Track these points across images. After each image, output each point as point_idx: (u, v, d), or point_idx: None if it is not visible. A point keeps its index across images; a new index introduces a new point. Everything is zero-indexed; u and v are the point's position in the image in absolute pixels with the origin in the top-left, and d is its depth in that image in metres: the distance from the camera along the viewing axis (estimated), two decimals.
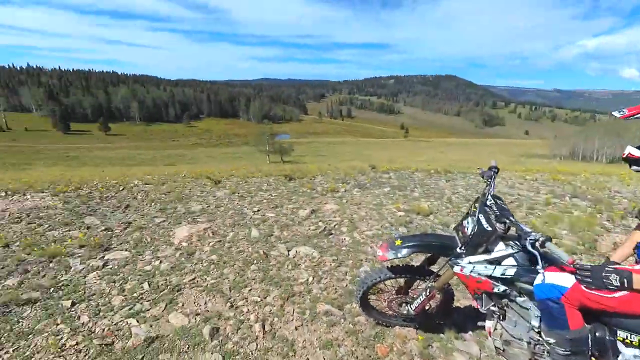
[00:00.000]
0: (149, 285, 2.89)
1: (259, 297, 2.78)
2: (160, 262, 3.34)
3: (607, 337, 1.40)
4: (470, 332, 2.36)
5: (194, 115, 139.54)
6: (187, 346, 2.19)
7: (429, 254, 2.16)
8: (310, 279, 3.10)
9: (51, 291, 2.73)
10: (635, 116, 1.37)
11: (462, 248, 1.84)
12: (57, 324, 2.32)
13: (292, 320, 2.53)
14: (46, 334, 2.21)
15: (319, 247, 3.82)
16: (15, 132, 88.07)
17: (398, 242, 2.02)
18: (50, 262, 3.22)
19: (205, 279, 3.05)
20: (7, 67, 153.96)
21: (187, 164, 39.19)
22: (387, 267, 2.20)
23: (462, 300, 2.76)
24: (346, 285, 3.02)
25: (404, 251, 1.98)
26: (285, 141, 58.14)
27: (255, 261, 3.41)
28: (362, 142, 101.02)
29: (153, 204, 5.37)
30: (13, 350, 2.06)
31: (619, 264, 1.54)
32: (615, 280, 1.28)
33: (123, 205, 5.20)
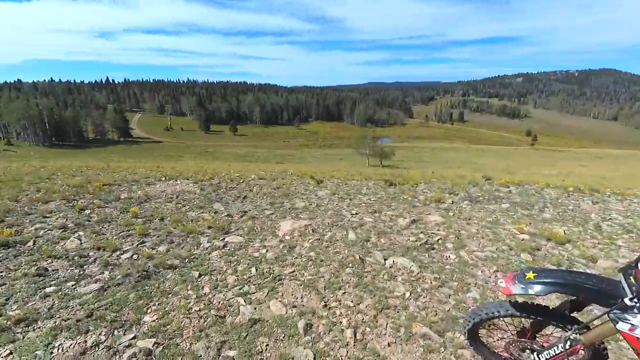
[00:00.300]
0: (256, 270, 3.22)
1: (352, 302, 2.74)
2: (267, 250, 3.69)
3: None
4: None
5: (303, 119, 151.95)
6: (283, 335, 2.32)
7: (574, 297, 1.67)
8: (408, 294, 2.87)
9: (186, 261, 3.34)
10: None
11: (636, 300, 1.34)
12: (188, 290, 2.82)
13: (385, 334, 2.38)
14: (180, 296, 2.71)
15: (418, 260, 3.53)
16: (175, 131, 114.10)
17: (530, 275, 1.63)
18: (188, 237, 3.96)
19: (303, 273, 3.19)
20: (174, 81, 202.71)
21: (294, 163, 42.94)
22: (509, 301, 1.82)
23: None
24: (449, 309, 2.68)
25: (539, 288, 1.59)
26: (387, 145, 56.97)
27: (350, 265, 3.39)
28: (474, 148, 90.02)
29: (265, 197, 6.03)
30: (158, 304, 2.60)
31: None
32: None
33: (242, 196, 6.01)
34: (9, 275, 2.87)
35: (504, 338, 1.98)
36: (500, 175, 12.19)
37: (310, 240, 3.99)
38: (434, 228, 4.57)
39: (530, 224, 4.82)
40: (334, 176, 8.78)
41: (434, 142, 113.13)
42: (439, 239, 4.13)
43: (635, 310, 1.33)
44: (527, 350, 1.84)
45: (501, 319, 1.98)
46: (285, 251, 3.70)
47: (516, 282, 1.66)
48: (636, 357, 1.45)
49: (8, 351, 2.03)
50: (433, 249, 3.86)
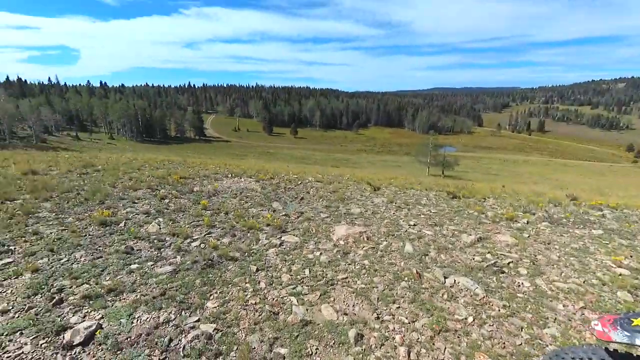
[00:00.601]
0: (309, 272, 3.25)
1: (406, 318, 2.59)
2: (321, 253, 3.71)
3: None
4: None
5: (362, 124, 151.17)
6: (333, 342, 2.29)
7: None
8: (471, 319, 2.61)
9: (245, 255, 3.54)
10: None
11: None
12: (246, 283, 2.98)
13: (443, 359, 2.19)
14: (238, 288, 2.88)
15: (484, 283, 3.19)
16: (242, 132, 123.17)
17: (637, 321, 1.35)
18: (249, 232, 4.20)
19: (356, 281, 3.13)
20: (244, 86, 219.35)
21: (350, 167, 42.89)
22: (606, 349, 1.52)
23: None
24: (520, 344, 2.36)
25: None
26: (450, 154, 53.30)
27: (406, 278, 3.22)
28: (556, 162, 79.23)
29: (321, 200, 6.10)
30: (219, 292, 2.79)
31: None
32: None
33: (299, 197, 6.17)
34: (105, 250, 3.37)
35: None
36: (589, 195, 10.49)
37: (364, 248, 3.91)
38: (504, 249, 4.09)
39: (631, 256, 4.01)
40: (392, 183, 8.51)
41: (505, 154, 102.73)
42: (509, 262, 3.68)
43: None
44: None
45: None
46: (339, 256, 3.67)
47: (618, 327, 1.39)
48: None
49: (100, 315, 2.37)
50: (502, 272, 3.45)
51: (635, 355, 1.50)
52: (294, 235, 4.21)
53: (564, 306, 2.87)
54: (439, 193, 7.41)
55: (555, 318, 2.69)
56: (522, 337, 2.43)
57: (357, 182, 8.22)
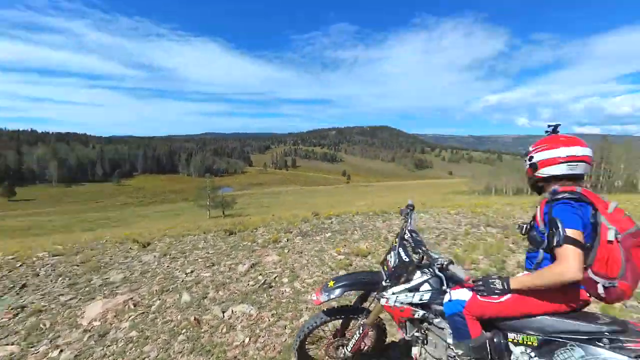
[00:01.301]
0: None
1: None
2: (61, 351, 2.78)
3: (502, 341, 1.56)
4: None
5: (126, 173, 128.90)
6: None
7: (361, 292, 2.22)
8: (247, 340, 2.86)
9: None
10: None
11: (387, 281, 1.95)
12: None
13: None
14: None
15: (257, 302, 3.61)
16: None
17: (331, 283, 2.06)
18: None
19: None
20: None
21: (112, 227, 34.97)
22: (323, 311, 2.19)
23: (398, 335, 2.81)
24: (285, 340, 2.86)
25: (337, 291, 2.01)
26: (228, 194, 56.30)
27: (184, 330, 3.06)
28: (306, 190, 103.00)
29: (60, 279, 4.60)
30: None
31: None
32: (499, 284, 1.51)
33: (18, 286, 4.33)
34: None
35: (325, 345, 2.32)
36: (327, 210, 14.44)
37: (130, 318, 3.33)
38: (272, 267, 4.84)
39: (345, 245, 5.93)
40: (166, 234, 7.84)
41: (273, 187, 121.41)
42: (275, 277, 4.40)
43: (387, 289, 1.93)
44: (340, 347, 2.23)
45: (322, 329, 2.33)
46: (93, 342, 2.92)
47: (322, 292, 2.05)
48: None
49: None
50: (271, 287, 4.06)
51: (337, 306, 2.24)
52: (6, 345, 2.89)
53: (311, 296, 3.77)
54: (217, 233, 7.64)
55: (307, 307, 3.49)
56: (286, 333, 2.96)
57: (121, 242, 6.90)
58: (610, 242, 1.34)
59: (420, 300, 1.80)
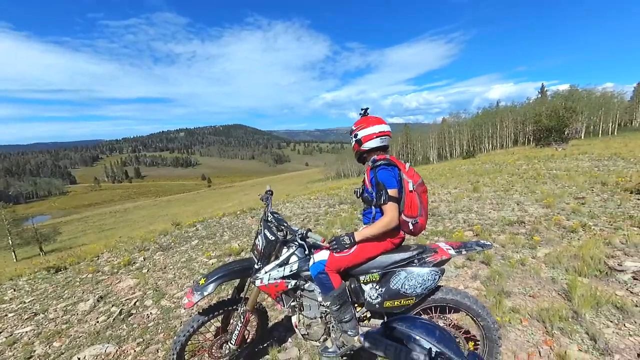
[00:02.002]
0: None
1: None
2: None
3: (357, 285, 1.99)
4: (289, 340, 2.60)
5: None
6: None
7: (237, 282, 2.24)
8: None
9: None
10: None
11: (259, 263, 2.06)
12: None
13: None
14: None
15: (115, 337, 3.03)
16: None
17: (202, 281, 1.99)
18: None
19: None
20: None
21: None
22: (198, 312, 2.09)
23: (279, 316, 3.02)
24: None
25: (210, 287, 1.97)
26: (44, 224, 42.27)
27: None
28: (161, 201, 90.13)
29: None
30: None
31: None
32: (347, 239, 1.88)
33: None
34: None
35: (208, 348, 2.23)
36: (190, 219, 13.18)
37: None
38: (128, 293, 4.11)
39: (215, 249, 5.68)
40: None
41: (114, 205, 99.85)
42: (135, 302, 3.78)
43: (260, 270, 2.05)
44: (224, 344, 2.21)
45: (200, 332, 2.22)
46: None
47: (194, 292, 1.96)
48: None
49: None
50: (130, 315, 3.47)
51: (212, 304, 2.18)
52: None
53: (184, 309, 3.47)
54: (34, 275, 5.74)
55: (182, 322, 3.21)
56: (160, 357, 2.64)
57: None
58: (411, 191, 1.92)
59: (291, 271, 2.03)
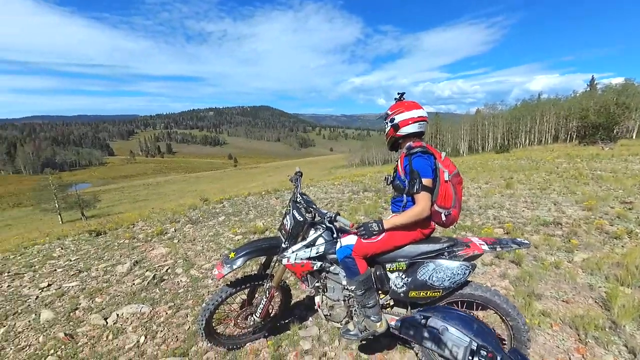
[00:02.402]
0: None
1: None
2: None
3: (382, 272, 1.98)
4: (310, 319, 2.68)
5: None
6: None
7: (263, 258, 2.32)
8: (142, 339, 2.60)
9: None
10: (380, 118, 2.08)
11: (286, 242, 2.11)
12: None
13: None
14: None
15: (149, 299, 3.27)
16: None
17: (232, 255, 2.07)
18: None
19: None
20: None
21: None
22: (226, 284, 2.19)
23: (301, 295, 3.10)
24: (188, 327, 2.73)
25: (239, 261, 2.05)
26: (86, 191, 45.70)
27: (52, 351, 2.51)
28: (190, 177, 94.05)
29: None
30: None
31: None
32: (375, 226, 1.86)
33: None
34: None
35: (234, 318, 2.35)
36: (216, 196, 13.69)
37: None
38: (160, 260, 4.39)
39: (241, 226, 5.88)
40: None
41: (147, 178, 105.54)
42: (167, 269, 4.03)
43: (287, 250, 2.10)
44: (249, 316, 2.31)
45: (227, 303, 2.34)
46: None
47: (224, 265, 2.05)
48: None
49: None
50: (163, 280, 3.71)
51: (239, 277, 2.28)
52: None
53: (212, 279, 3.66)
54: (78, 236, 6.26)
55: (209, 291, 3.39)
56: (188, 322, 2.82)
57: None
58: (446, 181, 1.85)
59: (317, 252, 2.05)
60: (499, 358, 1.11)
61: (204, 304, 2.20)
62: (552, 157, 14.21)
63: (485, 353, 1.07)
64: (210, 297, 2.18)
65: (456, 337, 1.17)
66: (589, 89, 64.95)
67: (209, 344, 2.27)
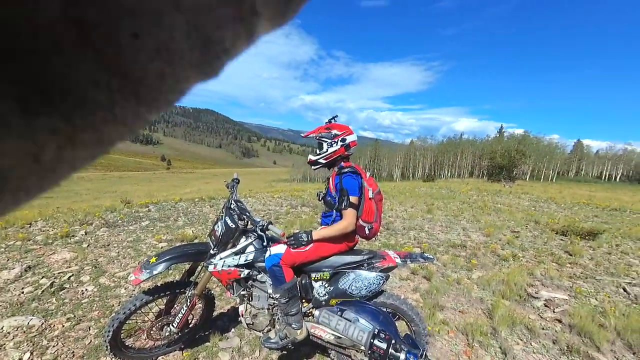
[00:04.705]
0: None
1: None
2: None
3: (307, 281, 2.09)
4: (232, 330, 2.62)
5: None
6: None
7: (188, 265, 2.23)
8: (26, 356, 2.23)
9: None
10: (310, 136, 2.20)
11: (215, 249, 2.07)
12: None
13: None
14: None
15: (42, 310, 2.82)
16: None
17: (153, 259, 1.95)
18: None
19: None
20: None
21: None
22: (143, 291, 2.04)
23: (226, 307, 3.02)
24: (90, 341, 2.43)
25: (160, 266, 1.94)
26: None
27: None
28: (112, 176, 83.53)
29: None
30: None
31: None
32: (305, 236, 1.97)
33: None
34: None
35: (147, 328, 2.18)
36: (141, 199, 12.42)
37: None
38: (63, 267, 3.82)
39: (167, 232, 5.46)
40: None
41: None
42: (70, 277, 3.53)
43: (215, 256, 2.07)
44: (165, 327, 2.18)
45: (140, 312, 2.17)
46: None
47: (143, 270, 1.93)
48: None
49: None
50: (63, 289, 3.24)
51: (159, 284, 2.16)
52: None
53: (125, 289, 3.32)
54: None
55: (120, 301, 3.06)
56: (91, 335, 2.51)
57: None
58: (370, 199, 2.07)
59: (246, 260, 2.07)
60: (394, 341, 1.30)
61: (113, 314, 2.00)
62: (466, 189, 16.39)
63: (383, 336, 1.26)
64: (122, 305, 2.01)
65: (364, 325, 1.33)
66: (498, 135, 77.33)
67: (114, 357, 2.06)
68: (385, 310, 2.11)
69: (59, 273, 3.62)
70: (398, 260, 2.11)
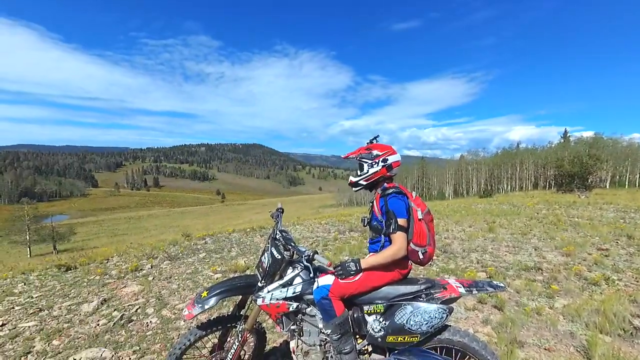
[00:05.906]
0: None
1: None
2: None
3: (360, 314, 1.92)
4: None
5: None
6: None
7: (238, 298, 2.22)
8: None
9: None
10: (350, 157, 2.14)
11: (262, 281, 2.04)
12: None
13: None
14: None
15: (113, 342, 3.02)
16: None
17: (204, 294, 1.98)
18: None
19: None
20: None
21: None
22: (197, 326, 2.06)
23: (279, 340, 2.94)
24: None
25: (211, 301, 1.95)
26: (61, 223, 43.61)
27: None
28: (175, 212, 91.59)
29: None
30: None
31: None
32: (353, 265, 1.85)
33: None
34: None
35: None
36: (200, 231, 13.31)
37: None
38: (131, 299, 4.13)
39: (222, 264, 5.68)
40: None
41: (129, 211, 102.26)
42: (137, 309, 3.78)
43: (263, 289, 2.03)
44: None
45: (196, 347, 2.19)
46: None
47: (195, 305, 1.96)
48: None
49: None
50: (131, 321, 3.46)
51: (211, 318, 2.17)
52: None
53: (184, 322, 3.44)
54: (45, 271, 5.88)
55: (179, 334, 3.17)
56: None
57: None
58: (420, 220, 1.90)
59: (294, 292, 2.00)
60: None
61: (171, 349, 2.05)
62: (532, 203, 14.68)
63: None
64: (179, 340, 2.04)
65: None
66: (562, 140, 69.46)
67: None
68: (452, 348, 1.85)
69: (128, 305, 3.90)
70: (462, 290, 1.87)
